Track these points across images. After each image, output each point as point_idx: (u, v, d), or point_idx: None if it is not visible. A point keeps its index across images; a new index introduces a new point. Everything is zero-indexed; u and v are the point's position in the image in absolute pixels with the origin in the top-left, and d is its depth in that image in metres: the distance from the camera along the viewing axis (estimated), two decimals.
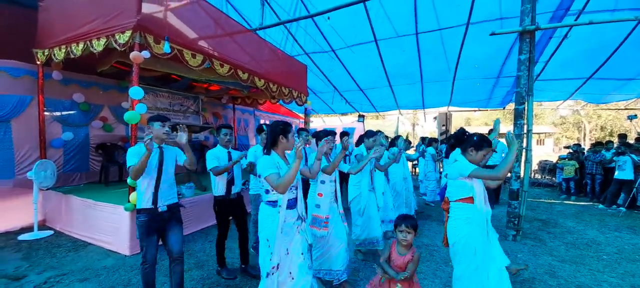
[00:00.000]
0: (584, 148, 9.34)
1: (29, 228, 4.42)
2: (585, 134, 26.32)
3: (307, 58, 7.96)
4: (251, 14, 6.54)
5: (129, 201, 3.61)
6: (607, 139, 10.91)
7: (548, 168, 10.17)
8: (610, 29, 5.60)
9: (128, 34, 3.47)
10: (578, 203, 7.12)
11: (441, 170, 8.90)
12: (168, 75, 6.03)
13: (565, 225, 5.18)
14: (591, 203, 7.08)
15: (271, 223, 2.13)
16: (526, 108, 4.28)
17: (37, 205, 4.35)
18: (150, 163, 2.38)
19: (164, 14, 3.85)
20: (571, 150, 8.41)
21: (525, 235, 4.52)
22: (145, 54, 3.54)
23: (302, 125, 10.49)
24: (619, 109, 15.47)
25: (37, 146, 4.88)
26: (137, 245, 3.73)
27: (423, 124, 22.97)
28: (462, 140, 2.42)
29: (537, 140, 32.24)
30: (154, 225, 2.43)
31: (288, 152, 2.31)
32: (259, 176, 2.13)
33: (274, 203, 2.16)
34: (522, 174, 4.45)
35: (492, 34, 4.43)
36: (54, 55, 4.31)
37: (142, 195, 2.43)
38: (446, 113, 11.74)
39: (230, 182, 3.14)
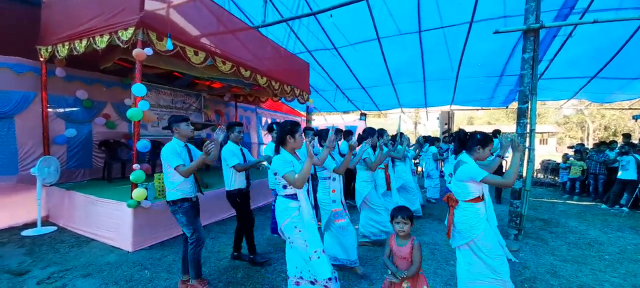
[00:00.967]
0: (587, 148, 9.28)
1: (33, 224, 4.46)
2: (588, 134, 26.18)
3: (310, 56, 7.95)
4: (253, 12, 6.54)
5: (131, 198, 3.63)
6: (611, 138, 10.83)
7: (551, 167, 10.12)
8: (615, 27, 5.56)
9: (131, 30, 3.48)
10: (581, 203, 7.09)
11: (442, 169, 8.89)
12: (170, 72, 6.04)
13: (568, 225, 5.16)
14: (594, 203, 7.04)
15: (293, 214, 2.29)
16: (529, 107, 4.25)
17: (40, 201, 4.38)
18: (186, 160, 2.71)
19: (167, 11, 3.85)
20: (575, 151, 8.38)
21: (527, 235, 4.51)
22: (148, 51, 3.55)
23: (304, 124, 10.50)
24: (622, 109, 15.36)
25: (41, 142, 4.91)
26: (140, 242, 3.76)
27: (425, 123, 22.92)
28: (464, 141, 2.45)
29: (540, 140, 32.07)
30: (195, 210, 2.81)
31: (297, 149, 2.46)
32: (275, 174, 2.29)
33: (293, 196, 2.31)
34: (524, 174, 4.43)
35: (496, 32, 4.40)
36: (57, 52, 4.33)
37: (178, 185, 2.67)
38: (449, 112, 11.71)
39: (248, 175, 3.46)
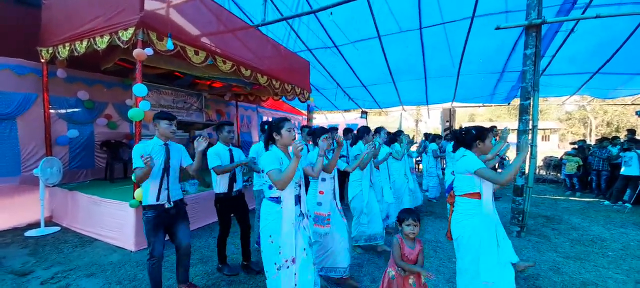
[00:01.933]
0: (589, 144, 9.23)
1: (36, 225, 4.49)
2: (591, 130, 26.05)
3: (310, 54, 7.93)
4: (253, 10, 6.52)
5: (134, 197, 3.64)
6: (613, 134, 10.78)
7: (553, 164, 10.08)
8: (617, 22, 5.51)
9: (131, 31, 3.48)
10: (583, 199, 7.06)
11: (444, 167, 8.87)
12: (171, 72, 6.04)
13: (570, 222, 5.14)
14: (596, 199, 7.01)
15: (273, 219, 2.15)
16: (532, 103, 4.23)
17: (43, 202, 4.40)
18: (157, 161, 2.45)
19: (167, 11, 3.85)
20: (576, 146, 8.33)
21: (529, 232, 4.50)
22: (149, 51, 3.55)
23: (304, 122, 10.49)
24: (625, 105, 15.28)
25: (43, 143, 4.93)
26: (142, 241, 3.75)
27: (426, 120, 22.86)
28: (462, 139, 2.42)
29: (542, 136, 31.93)
30: (161, 221, 2.50)
31: (289, 147, 2.30)
32: (262, 171, 2.16)
33: (277, 199, 2.17)
34: (527, 170, 4.41)
35: (498, 28, 4.37)
36: (58, 53, 4.34)
37: (148, 191, 2.48)
38: (450, 109, 11.67)
39: (232, 179, 3.13)
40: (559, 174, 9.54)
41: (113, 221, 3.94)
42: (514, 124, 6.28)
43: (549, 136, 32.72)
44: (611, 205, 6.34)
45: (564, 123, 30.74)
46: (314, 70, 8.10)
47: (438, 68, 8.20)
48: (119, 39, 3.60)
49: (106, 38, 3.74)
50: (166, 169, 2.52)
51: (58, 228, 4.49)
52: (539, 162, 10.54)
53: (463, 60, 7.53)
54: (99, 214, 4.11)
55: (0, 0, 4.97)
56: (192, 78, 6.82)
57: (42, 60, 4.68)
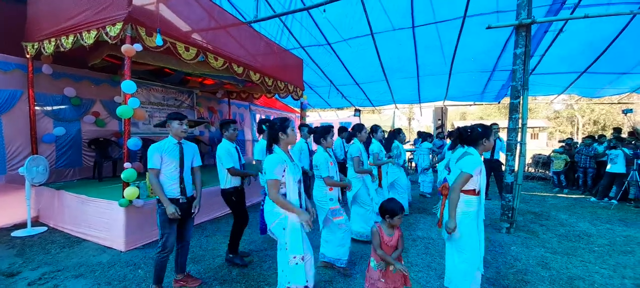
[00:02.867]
0: (576, 142, 9.42)
1: (23, 225, 4.37)
2: (578, 128, 26.63)
3: (303, 52, 7.90)
4: (246, 7, 6.46)
5: (123, 196, 3.57)
6: (600, 133, 11.04)
7: (541, 161, 10.28)
8: (605, 22, 5.62)
9: (119, 26, 3.41)
10: (570, 196, 7.22)
11: (435, 162, 8.96)
12: (161, 69, 5.93)
13: (558, 218, 5.25)
14: (583, 196, 7.18)
15: (281, 216, 2.23)
16: (521, 102, 4.30)
17: (29, 202, 4.29)
18: (173, 159, 2.60)
19: (156, 6, 3.77)
20: (564, 144, 8.50)
21: (518, 228, 4.58)
22: (137, 46, 3.48)
23: (298, 120, 10.46)
24: (612, 103, 15.65)
25: (28, 141, 4.80)
26: (132, 241, 3.71)
27: (419, 118, 23.06)
28: (466, 137, 2.48)
29: (531, 134, 32.57)
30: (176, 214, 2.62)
31: (290, 147, 2.42)
32: (264, 173, 2.25)
33: (283, 197, 2.24)
34: (516, 168, 4.49)
35: (489, 27, 4.42)
36: (44, 48, 4.22)
37: (166, 186, 2.59)
38: (442, 107, 11.78)
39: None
40: (547, 171, 9.72)
41: (102, 221, 3.86)
42: (504, 122, 6.36)
43: (537, 134, 33.38)
44: (597, 201, 6.50)
45: (553, 121, 31.36)
46: (307, 68, 8.08)
47: (430, 66, 8.26)
48: (106, 34, 3.52)
49: (93, 33, 3.65)
50: (181, 166, 2.65)
51: (45, 228, 4.38)
52: (528, 160, 10.74)
53: (455, 59, 7.60)
54: (87, 214, 4.02)
55: None
56: (183, 75, 6.72)
57: (28, 56, 4.54)
